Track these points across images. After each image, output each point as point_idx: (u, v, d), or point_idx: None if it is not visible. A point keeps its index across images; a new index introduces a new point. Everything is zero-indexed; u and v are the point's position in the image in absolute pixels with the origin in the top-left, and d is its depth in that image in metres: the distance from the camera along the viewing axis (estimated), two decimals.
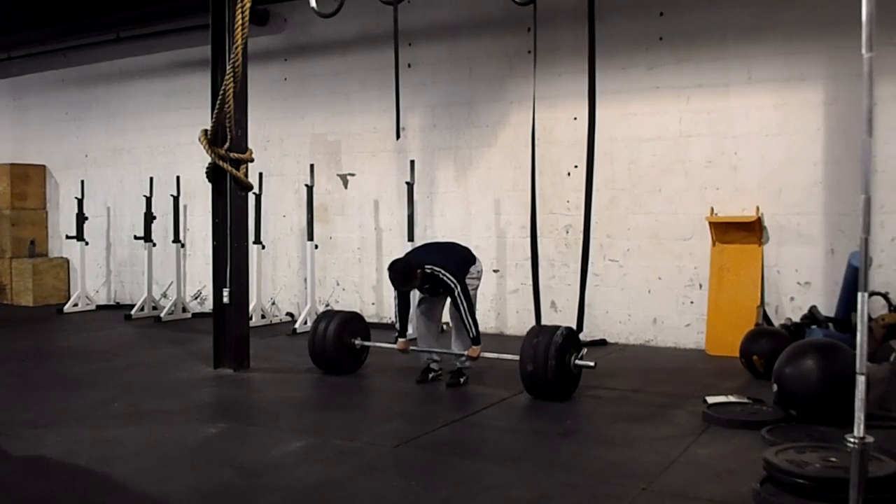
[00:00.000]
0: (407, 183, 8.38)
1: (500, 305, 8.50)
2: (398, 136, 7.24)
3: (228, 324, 6.70)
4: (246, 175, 6.65)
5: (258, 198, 8.91)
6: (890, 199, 6.71)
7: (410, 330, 6.43)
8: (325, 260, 9.50)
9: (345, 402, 5.76)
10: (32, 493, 3.93)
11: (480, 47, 8.54)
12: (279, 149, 9.79)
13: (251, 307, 8.23)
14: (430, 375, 6.22)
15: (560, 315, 7.88)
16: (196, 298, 10.32)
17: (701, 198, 7.47)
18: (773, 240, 7.25)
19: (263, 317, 9.23)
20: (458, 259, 6.08)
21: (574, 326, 6.07)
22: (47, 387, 6.15)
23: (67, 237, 11.06)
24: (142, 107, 10.87)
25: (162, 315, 9.68)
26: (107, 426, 5.02)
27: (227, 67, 6.24)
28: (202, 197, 9.45)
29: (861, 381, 3.06)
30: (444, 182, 8.79)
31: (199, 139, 6.44)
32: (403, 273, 5.82)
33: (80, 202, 10.49)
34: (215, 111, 6.37)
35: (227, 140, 6.42)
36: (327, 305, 9.27)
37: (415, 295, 6.28)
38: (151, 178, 10.13)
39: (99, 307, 10.76)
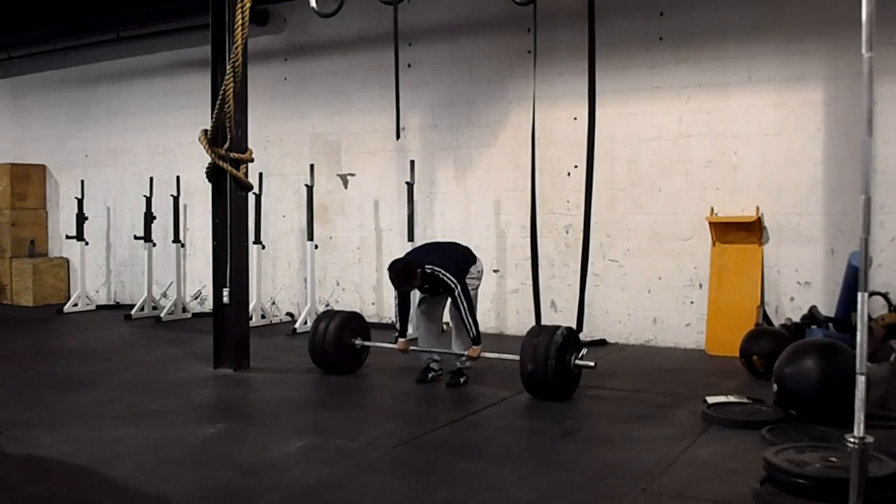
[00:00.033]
0: (407, 183, 8.38)
1: (500, 305, 8.50)
2: (398, 136, 7.25)
3: (228, 324, 6.70)
4: (246, 175, 6.65)
5: (258, 198, 8.91)
6: (890, 199, 6.71)
7: (410, 330, 6.43)
8: (325, 260, 9.50)
9: (345, 402, 5.77)
10: (32, 493, 3.93)
11: (480, 47, 8.54)
12: (279, 149, 9.79)
13: (251, 307, 8.23)
14: (430, 375, 6.22)
15: (560, 315, 7.88)
16: (196, 298, 10.32)
17: (701, 198, 7.47)
18: (773, 240, 7.25)
19: (263, 317, 9.23)
20: (458, 259, 6.07)
21: (574, 326, 6.07)
22: (47, 387, 6.15)
23: (67, 237, 11.07)
24: (142, 107, 10.87)
25: (162, 315, 9.68)
26: (107, 426, 5.02)
27: (227, 67, 6.24)
28: (202, 197, 9.45)
29: (861, 381, 3.06)
30: (444, 182, 8.79)
31: (199, 139, 6.44)
32: (403, 273, 5.82)
33: (80, 202, 10.49)
34: (215, 111, 6.37)
35: (227, 140, 6.42)
36: (327, 305, 9.27)
37: (415, 295, 6.28)
38: (151, 178, 10.13)
39: (99, 307, 10.76)
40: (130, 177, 10.98)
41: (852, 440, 3.04)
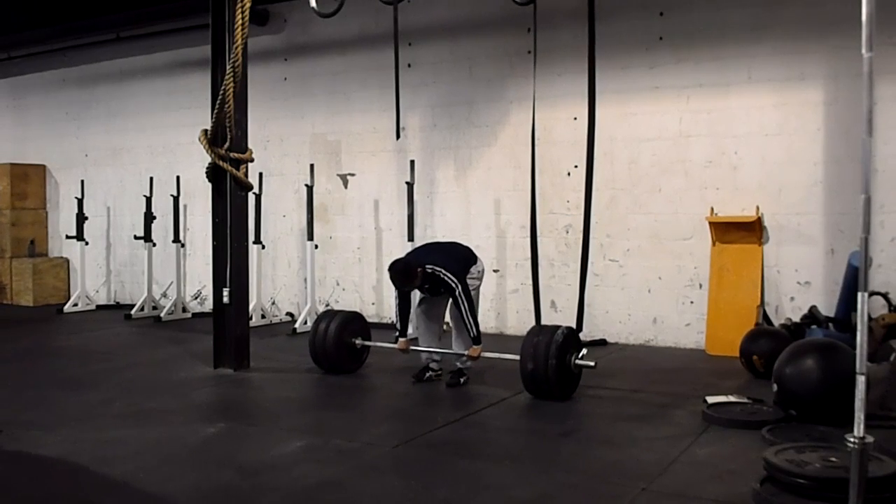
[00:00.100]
0: (407, 183, 8.38)
1: (500, 305, 8.50)
2: (398, 136, 7.25)
3: (228, 324, 6.70)
4: (246, 175, 6.65)
5: (258, 198, 8.91)
6: (890, 199, 6.71)
7: (411, 330, 6.43)
8: (325, 260, 9.50)
9: (345, 402, 5.77)
10: (32, 493, 3.93)
11: (480, 47, 8.54)
12: (279, 149, 9.79)
13: (251, 307, 8.23)
14: (428, 375, 6.22)
15: (560, 315, 7.88)
16: (196, 298, 10.32)
17: (701, 198, 7.47)
18: (773, 240, 7.25)
19: (263, 317, 9.23)
20: (459, 259, 6.07)
21: (574, 326, 6.07)
22: (47, 387, 6.15)
23: (67, 237, 11.07)
24: (142, 107, 10.87)
25: (162, 315, 9.68)
26: (107, 426, 5.02)
27: (227, 67, 6.24)
28: (202, 197, 9.45)
29: (861, 381, 3.06)
30: (444, 182, 8.79)
31: (199, 139, 6.44)
32: (404, 273, 5.82)
33: (80, 202, 10.49)
34: (215, 111, 6.37)
35: (227, 140, 6.42)
36: (327, 305, 9.27)
37: (415, 295, 6.28)
38: (151, 178, 10.13)
39: (99, 307, 10.76)
40: (130, 177, 10.98)
41: (852, 440, 3.04)
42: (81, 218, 10.45)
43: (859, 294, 3.09)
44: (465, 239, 7.74)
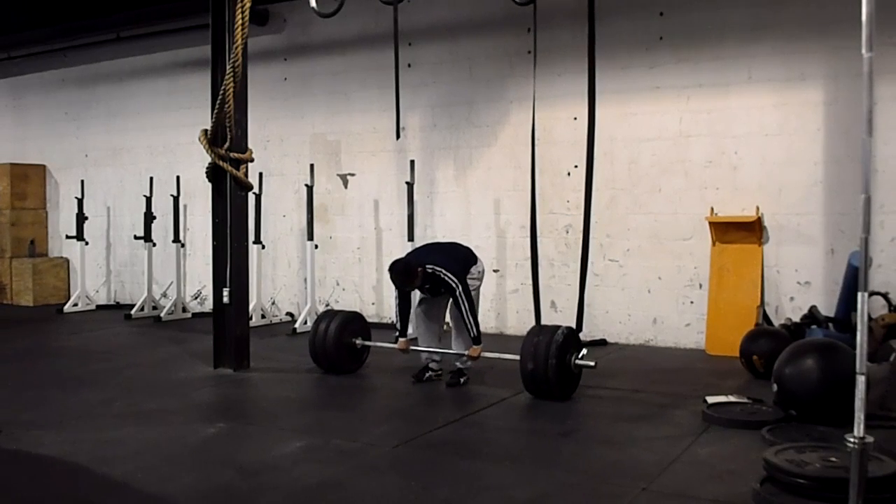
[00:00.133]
0: (407, 183, 8.38)
1: (500, 305, 8.50)
2: (398, 136, 7.24)
3: (228, 324, 6.70)
4: (246, 175, 6.65)
5: (258, 198, 8.91)
6: (890, 199, 6.71)
7: (410, 329, 6.43)
8: (325, 260, 9.50)
9: (345, 402, 5.77)
10: (32, 493, 3.94)
11: (480, 47, 8.54)
12: (279, 149, 9.79)
13: (251, 307, 8.23)
14: (428, 375, 6.22)
15: (560, 315, 7.88)
16: (196, 298, 10.32)
17: (701, 198, 7.47)
18: (773, 240, 7.25)
19: (263, 317, 9.23)
20: (459, 259, 6.08)
21: (574, 326, 6.07)
22: (47, 387, 6.15)
23: (67, 237, 11.07)
24: (142, 107, 10.87)
25: (162, 315, 9.69)
26: (107, 426, 5.02)
27: (227, 67, 6.24)
28: (202, 197, 9.45)
29: (861, 381, 3.06)
30: (444, 182, 8.79)
31: (199, 139, 6.44)
32: (404, 273, 5.82)
33: (80, 202, 10.49)
34: (215, 111, 6.37)
35: (227, 140, 6.42)
36: (327, 305, 9.27)
37: (415, 295, 6.28)
38: (151, 178, 10.13)
39: (99, 307, 10.76)
40: (130, 177, 10.98)
41: (852, 440, 3.04)
42: (81, 218, 10.45)
43: (859, 294, 3.09)
44: (465, 239, 7.75)
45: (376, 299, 9.25)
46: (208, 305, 9.18)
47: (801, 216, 7.12)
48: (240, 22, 6.16)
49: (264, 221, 9.37)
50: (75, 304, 10.51)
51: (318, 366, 6.56)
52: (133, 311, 9.89)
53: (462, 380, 6.09)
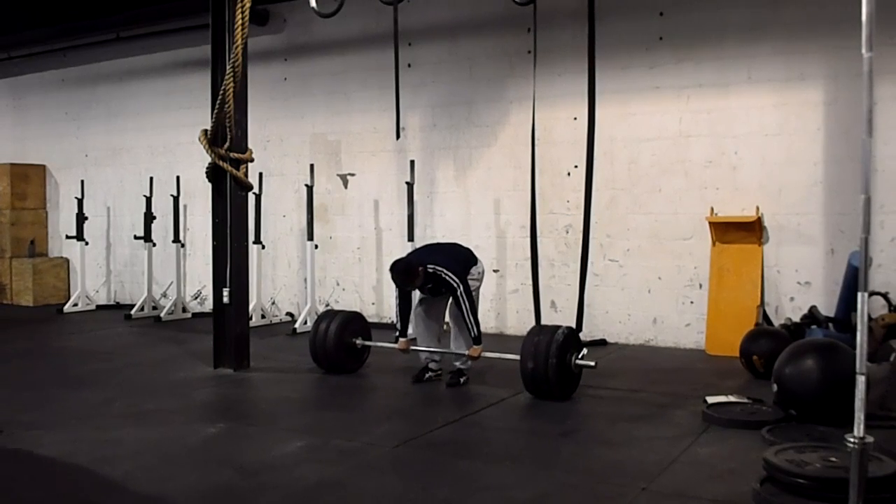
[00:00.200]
0: (407, 183, 8.38)
1: (500, 305, 8.50)
2: (398, 136, 7.25)
3: (228, 323, 6.70)
4: (246, 175, 6.65)
5: (258, 198, 8.91)
6: (890, 199, 6.71)
7: (410, 330, 6.43)
8: (325, 260, 9.50)
9: (345, 402, 5.77)
10: (32, 493, 3.94)
11: (480, 47, 8.54)
12: (279, 149, 9.79)
13: (251, 307, 8.23)
14: (427, 375, 6.23)
15: (560, 315, 7.88)
16: (196, 298, 10.32)
17: (701, 198, 7.47)
18: (773, 240, 7.25)
19: (263, 317, 9.23)
20: (459, 259, 6.08)
21: (574, 326, 6.07)
22: (47, 387, 6.15)
23: (67, 237, 11.07)
24: (142, 107, 10.87)
25: (162, 315, 9.69)
26: (107, 426, 5.02)
27: (227, 67, 6.24)
28: (202, 197, 9.45)
29: (861, 381, 3.06)
30: (444, 182, 8.79)
31: (199, 139, 6.44)
32: (405, 272, 5.82)
33: (80, 202, 10.49)
34: (215, 111, 6.37)
35: (227, 140, 6.43)
36: (327, 305, 9.27)
37: (414, 295, 6.28)
38: (151, 178, 10.13)
39: (99, 307, 10.76)
40: (130, 177, 10.98)
41: (852, 440, 3.04)
42: (81, 218, 10.45)
43: (859, 294, 3.09)
44: (465, 239, 7.75)
45: (376, 299, 9.25)
46: (208, 305, 9.18)
47: (801, 216, 7.12)
48: (240, 22, 6.16)
49: (264, 221, 9.37)
50: (75, 304, 10.51)
51: (318, 366, 6.57)
52: (133, 311, 9.89)
53: (462, 380, 6.09)
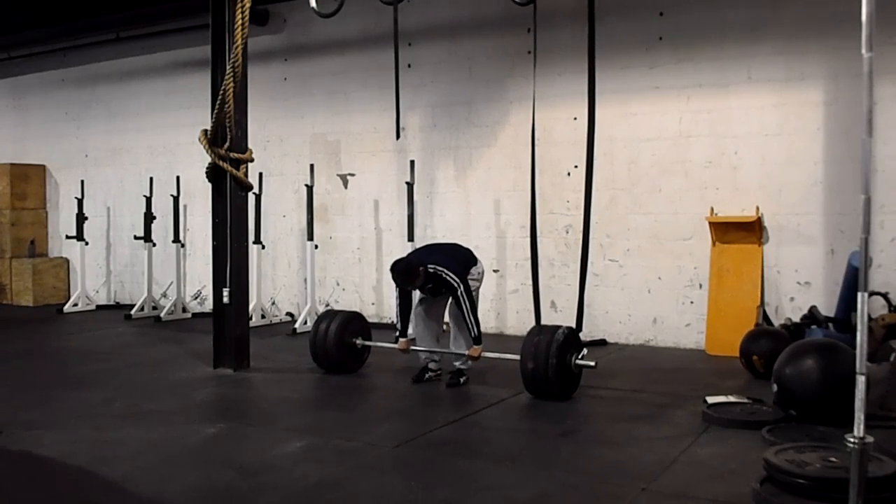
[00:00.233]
0: (407, 183, 8.38)
1: (500, 305, 8.50)
2: (398, 136, 7.25)
3: (228, 324, 6.70)
4: (246, 175, 6.65)
5: (258, 198, 8.91)
6: (890, 199, 6.71)
7: (410, 329, 6.43)
8: (325, 260, 9.50)
9: (345, 402, 5.76)
10: (32, 493, 3.94)
11: (480, 47, 8.54)
12: (279, 149, 9.80)
13: (251, 307, 8.23)
14: (427, 375, 6.23)
15: (560, 315, 7.88)
16: (196, 298, 10.32)
17: (701, 198, 7.47)
18: (773, 240, 7.25)
19: (263, 317, 9.23)
20: (459, 260, 6.08)
21: (574, 326, 6.07)
22: (47, 387, 6.15)
23: (67, 237, 11.07)
24: (142, 107, 10.87)
25: (162, 315, 9.69)
26: (107, 426, 5.02)
27: (227, 67, 6.24)
28: (202, 197, 9.45)
29: (861, 381, 3.06)
30: (444, 182, 8.79)
31: (199, 139, 6.44)
32: (406, 272, 5.82)
33: (80, 202, 10.49)
34: (215, 111, 6.37)
35: (227, 140, 6.43)
36: (327, 305, 9.27)
37: (414, 295, 6.28)
38: (151, 178, 10.13)
39: (99, 307, 10.76)
40: (130, 177, 10.98)
41: (852, 440, 3.04)
42: (81, 218, 10.46)
43: (859, 294, 3.09)
44: (465, 239, 7.75)
45: (376, 299, 9.25)
46: (208, 305, 9.18)
47: (801, 216, 7.12)
48: (240, 22, 6.16)
49: (264, 221, 9.37)
50: (75, 305, 10.51)
51: (318, 366, 6.57)
52: (133, 312, 9.89)
53: (462, 380, 6.09)
